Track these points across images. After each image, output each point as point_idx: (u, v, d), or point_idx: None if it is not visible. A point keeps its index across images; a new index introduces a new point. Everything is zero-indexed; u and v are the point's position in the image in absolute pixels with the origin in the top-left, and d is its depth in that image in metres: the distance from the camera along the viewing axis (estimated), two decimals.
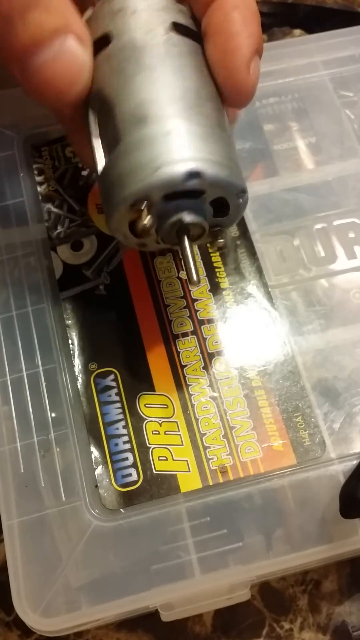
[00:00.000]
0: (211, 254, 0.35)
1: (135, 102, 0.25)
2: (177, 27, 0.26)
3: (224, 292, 0.34)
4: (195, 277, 0.26)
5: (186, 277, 0.26)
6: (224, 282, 0.34)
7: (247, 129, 0.39)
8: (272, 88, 0.40)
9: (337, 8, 0.50)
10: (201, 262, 0.34)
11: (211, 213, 0.27)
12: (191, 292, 0.34)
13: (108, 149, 0.26)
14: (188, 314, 0.33)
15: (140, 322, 0.33)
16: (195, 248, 0.33)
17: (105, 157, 0.26)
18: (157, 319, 0.33)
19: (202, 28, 0.26)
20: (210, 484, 0.30)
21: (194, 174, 0.24)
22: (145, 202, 0.24)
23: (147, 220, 0.25)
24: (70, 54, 0.23)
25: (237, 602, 0.29)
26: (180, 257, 0.27)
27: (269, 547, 0.29)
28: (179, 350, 0.32)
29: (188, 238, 0.26)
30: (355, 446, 0.30)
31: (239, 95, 0.26)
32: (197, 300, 0.34)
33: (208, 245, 0.27)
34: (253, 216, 0.36)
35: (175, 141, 0.24)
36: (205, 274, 0.34)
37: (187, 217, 0.25)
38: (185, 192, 0.24)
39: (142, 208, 0.24)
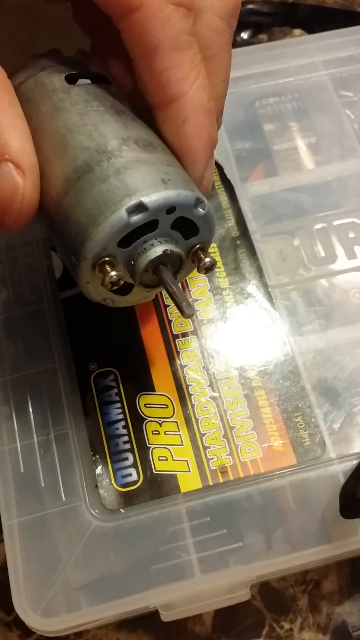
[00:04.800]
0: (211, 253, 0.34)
1: (63, 167, 0.23)
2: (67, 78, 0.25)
3: (224, 292, 0.34)
4: (188, 310, 0.23)
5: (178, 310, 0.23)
6: (224, 282, 0.34)
7: (247, 129, 0.39)
8: (272, 88, 0.40)
9: (337, 8, 0.50)
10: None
11: (181, 237, 0.24)
12: (191, 292, 0.34)
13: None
14: None
15: (140, 322, 0.33)
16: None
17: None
18: (157, 319, 0.33)
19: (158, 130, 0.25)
20: (210, 484, 0.30)
21: (133, 209, 0.21)
22: (106, 258, 0.22)
23: (114, 274, 0.22)
24: (4, 183, 0.22)
25: (237, 602, 0.29)
26: (167, 294, 0.24)
27: (269, 547, 0.29)
28: (179, 350, 0.32)
29: (168, 271, 0.23)
30: (355, 446, 0.30)
31: None
32: (197, 300, 0.34)
33: (196, 270, 0.25)
34: (253, 216, 0.36)
35: (102, 186, 0.21)
36: (205, 274, 0.34)
37: (155, 251, 0.23)
38: (139, 228, 0.22)
39: (105, 264, 0.22)
